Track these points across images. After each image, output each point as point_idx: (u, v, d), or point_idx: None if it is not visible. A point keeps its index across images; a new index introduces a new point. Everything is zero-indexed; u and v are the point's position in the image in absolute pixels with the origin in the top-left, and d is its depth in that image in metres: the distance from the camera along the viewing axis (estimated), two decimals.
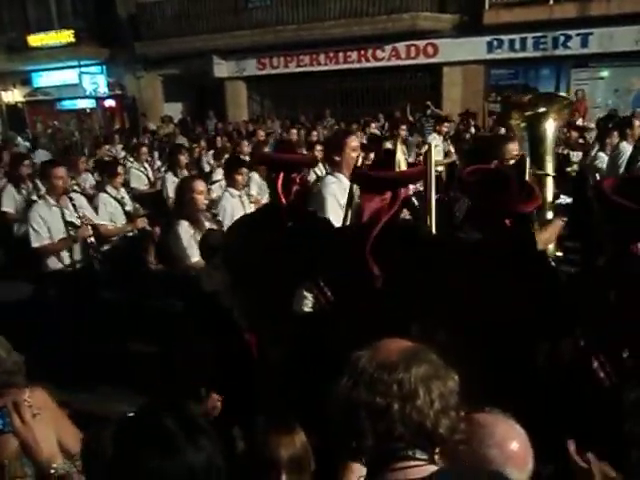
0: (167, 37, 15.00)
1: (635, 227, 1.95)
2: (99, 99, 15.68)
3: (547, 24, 12.14)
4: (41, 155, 9.94)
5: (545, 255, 2.65)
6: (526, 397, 2.14)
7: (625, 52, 12.04)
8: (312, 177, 5.70)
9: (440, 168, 6.17)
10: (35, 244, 4.18)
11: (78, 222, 4.33)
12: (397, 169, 2.45)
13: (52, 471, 1.41)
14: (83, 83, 14.78)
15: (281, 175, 2.66)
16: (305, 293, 2.50)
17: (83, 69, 15.15)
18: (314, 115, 13.75)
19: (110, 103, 17.28)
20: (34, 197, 5.60)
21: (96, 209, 4.90)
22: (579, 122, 9.61)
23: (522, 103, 3.34)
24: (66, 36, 16.52)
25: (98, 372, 3.95)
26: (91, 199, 5.19)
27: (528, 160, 2.97)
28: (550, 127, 3.15)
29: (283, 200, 2.65)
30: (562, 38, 12.42)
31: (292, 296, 2.56)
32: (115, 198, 5.17)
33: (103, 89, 15.50)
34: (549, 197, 3.08)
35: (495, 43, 13.08)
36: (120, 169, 5.65)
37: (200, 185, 3.71)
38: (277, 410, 1.88)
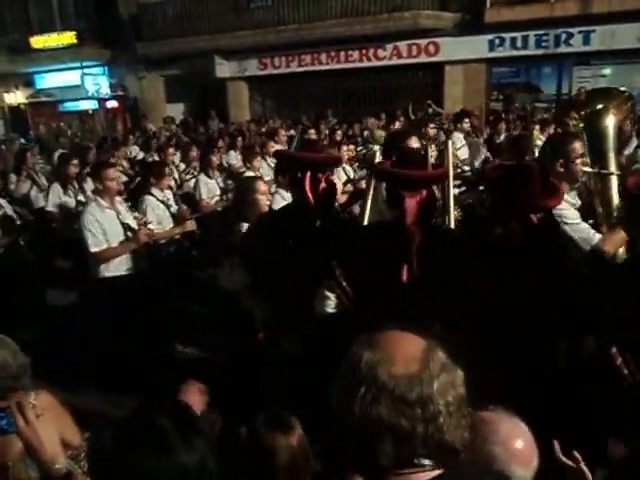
0: (169, 37, 15.02)
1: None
2: (101, 100, 15.66)
3: (549, 22, 12.15)
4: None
5: (567, 252, 2.63)
6: (544, 395, 2.15)
7: (627, 49, 12.04)
8: (342, 176, 5.65)
9: (466, 167, 6.11)
10: (94, 249, 3.94)
11: (134, 224, 4.15)
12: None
13: (55, 470, 1.41)
14: (85, 84, 14.75)
15: (308, 174, 2.65)
16: (327, 293, 2.47)
17: (85, 70, 15.13)
18: (316, 115, 13.77)
19: (112, 104, 17.29)
20: (80, 198, 5.55)
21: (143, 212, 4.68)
22: None
23: (579, 102, 3.25)
24: (68, 37, 16.55)
25: (110, 371, 3.92)
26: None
27: (588, 159, 2.89)
28: (610, 123, 3.02)
29: (311, 199, 2.63)
30: (564, 36, 12.44)
31: (314, 296, 2.53)
32: (161, 201, 4.92)
33: (105, 90, 15.47)
34: (615, 197, 2.95)
35: (497, 41, 13.09)
36: (167, 170, 5.36)
37: (262, 185, 3.63)
38: (281, 408, 1.87)
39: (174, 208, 5.03)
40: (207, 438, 1.20)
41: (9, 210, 5.10)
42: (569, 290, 2.12)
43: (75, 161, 5.88)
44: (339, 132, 9.00)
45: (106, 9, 15.95)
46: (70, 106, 18.39)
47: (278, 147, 7.16)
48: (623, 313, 1.98)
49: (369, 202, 2.91)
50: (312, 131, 9.01)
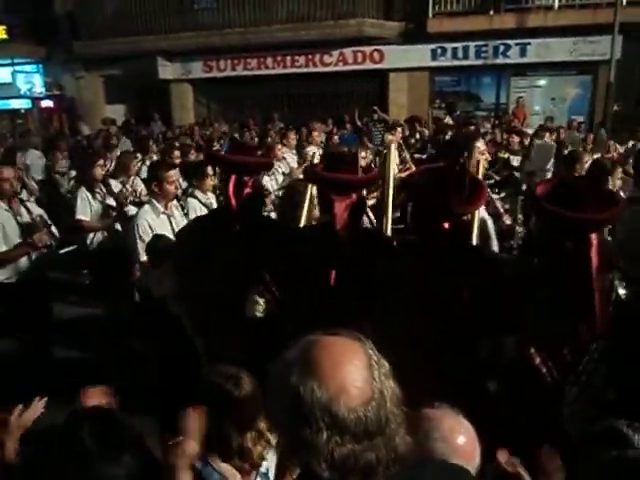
0: (108, 37, 14.48)
1: (566, 228, 2.01)
2: (35, 99, 14.92)
3: (488, 34, 12.61)
4: (33, 156, 8.83)
5: (487, 255, 2.69)
6: (471, 394, 2.17)
7: (561, 62, 12.66)
8: None
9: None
10: (145, 258, 3.67)
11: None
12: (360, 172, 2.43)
13: None
14: (17, 82, 14.03)
15: (233, 178, 2.58)
16: (257, 298, 2.44)
17: (17, 67, 14.38)
18: (262, 119, 13.63)
19: (48, 104, 16.51)
20: (109, 201, 4.96)
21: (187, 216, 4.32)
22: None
23: None
24: None
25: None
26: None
27: None
28: None
29: (233, 203, 2.57)
30: (502, 47, 12.93)
31: (243, 301, 2.48)
32: (204, 204, 4.57)
33: (39, 89, 14.77)
34: None
35: (439, 51, 13.44)
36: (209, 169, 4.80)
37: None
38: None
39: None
40: (136, 452, 1.16)
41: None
42: (489, 292, 2.14)
43: (101, 162, 5.21)
44: (292, 136, 8.91)
45: (41, 4, 15.21)
46: (0, 104, 17.43)
47: (285, 150, 6.90)
48: (538, 314, 2.02)
49: (305, 206, 2.87)
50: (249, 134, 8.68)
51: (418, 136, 9.70)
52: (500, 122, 11.33)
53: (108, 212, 4.90)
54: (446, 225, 2.21)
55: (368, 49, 13.88)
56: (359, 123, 12.23)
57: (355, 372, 0.98)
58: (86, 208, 4.84)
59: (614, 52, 11.06)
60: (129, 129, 13.34)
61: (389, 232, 2.90)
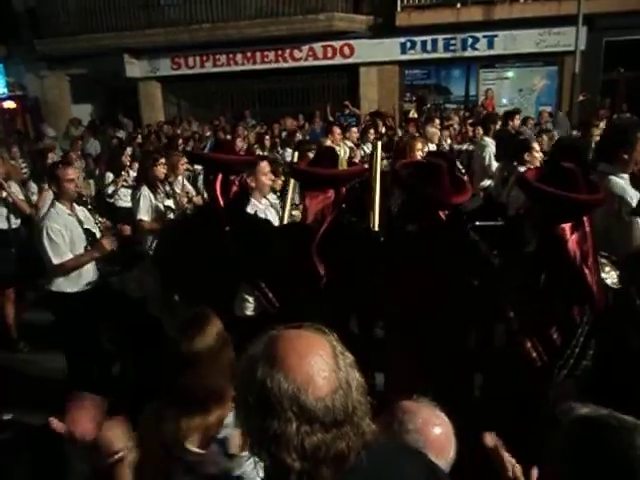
0: (72, 34, 14.09)
1: (561, 210, 2.04)
2: None
3: (456, 27, 12.73)
4: None
5: (478, 244, 2.71)
6: (463, 380, 2.19)
7: (528, 53, 12.87)
8: None
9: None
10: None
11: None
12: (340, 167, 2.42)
13: None
14: None
15: (219, 177, 2.56)
16: (246, 296, 2.40)
17: None
18: (233, 116, 13.48)
19: (9, 104, 15.99)
20: (168, 202, 4.77)
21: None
22: None
23: None
24: None
25: None
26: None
27: None
28: None
29: (221, 202, 2.55)
30: (470, 40, 13.06)
31: (232, 300, 2.44)
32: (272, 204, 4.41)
33: (1, 89, 14.29)
34: None
35: (408, 44, 13.51)
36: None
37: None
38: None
39: None
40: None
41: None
42: (479, 281, 2.16)
43: (162, 160, 4.97)
44: (267, 137, 8.80)
45: None
46: None
47: (329, 143, 6.55)
48: (527, 301, 2.04)
49: (289, 202, 2.85)
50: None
51: (383, 130, 9.69)
52: (471, 114, 11.45)
53: (166, 213, 4.72)
54: (440, 214, 2.22)
55: (338, 43, 13.85)
56: (331, 118, 12.24)
57: (321, 362, 1.00)
58: (148, 208, 4.65)
59: (578, 43, 11.28)
60: (96, 130, 13.05)
61: (377, 227, 2.90)
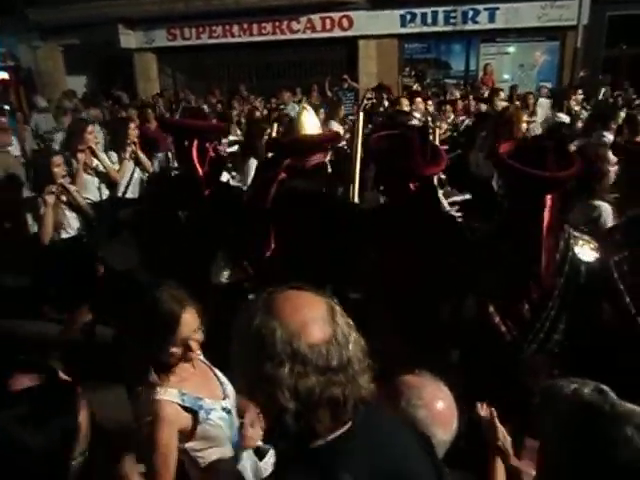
0: (65, 3, 13.81)
1: (525, 185, 2.01)
2: None
3: None
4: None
5: (449, 216, 2.71)
6: (437, 354, 2.20)
7: (529, 28, 12.63)
8: None
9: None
10: None
11: None
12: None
13: None
14: None
15: (195, 143, 2.54)
16: (222, 264, 2.41)
17: None
18: (229, 89, 13.30)
19: (3, 76, 15.76)
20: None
21: None
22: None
23: None
24: None
25: None
26: None
27: None
28: None
29: (199, 169, 2.53)
30: (471, 13, 12.81)
31: (209, 267, 2.46)
32: None
33: None
34: None
35: (408, 17, 13.25)
36: None
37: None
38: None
39: None
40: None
41: None
42: (449, 254, 2.15)
43: (268, 131, 4.71)
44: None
45: None
46: None
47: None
48: (497, 272, 2.03)
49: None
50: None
51: (387, 104, 9.58)
52: (472, 89, 11.28)
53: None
54: (411, 186, 2.20)
55: (336, 15, 13.59)
56: (329, 93, 12.07)
57: (315, 313, 1.04)
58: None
59: (581, 17, 11.07)
60: (89, 102, 12.87)
61: (356, 199, 2.88)
